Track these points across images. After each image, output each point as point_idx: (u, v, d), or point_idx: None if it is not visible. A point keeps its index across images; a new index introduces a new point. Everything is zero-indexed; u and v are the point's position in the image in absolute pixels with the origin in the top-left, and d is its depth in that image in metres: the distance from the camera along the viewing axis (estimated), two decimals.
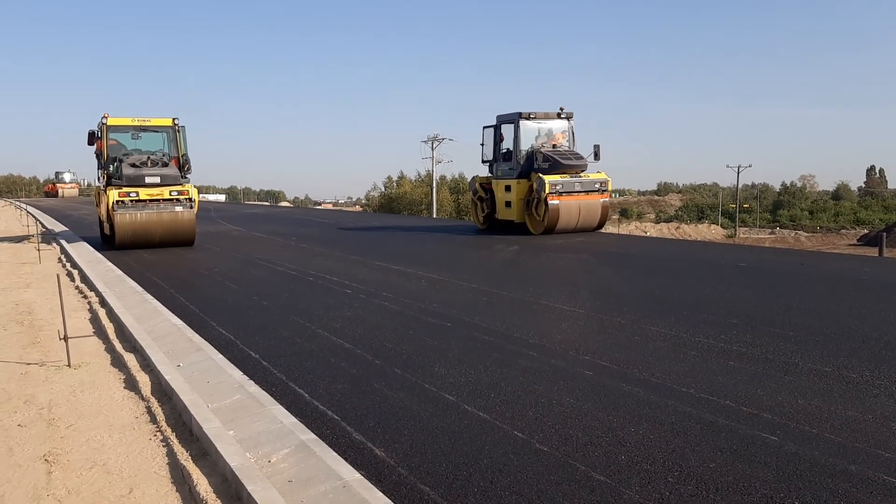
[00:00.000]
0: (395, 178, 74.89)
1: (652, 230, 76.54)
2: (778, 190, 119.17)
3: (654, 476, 3.89)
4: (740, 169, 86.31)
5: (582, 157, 18.10)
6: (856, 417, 4.66)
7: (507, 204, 18.78)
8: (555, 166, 17.46)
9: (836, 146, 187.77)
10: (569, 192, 17.36)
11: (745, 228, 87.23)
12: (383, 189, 76.33)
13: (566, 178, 17.37)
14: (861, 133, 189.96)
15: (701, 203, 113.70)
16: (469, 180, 23.46)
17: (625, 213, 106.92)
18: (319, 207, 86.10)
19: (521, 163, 18.27)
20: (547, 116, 18.83)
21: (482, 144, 19.75)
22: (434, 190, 61.56)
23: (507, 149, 18.87)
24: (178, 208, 16.10)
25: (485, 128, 19.68)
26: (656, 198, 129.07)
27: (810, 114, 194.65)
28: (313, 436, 4.37)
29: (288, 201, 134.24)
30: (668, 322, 7.50)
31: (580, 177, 17.66)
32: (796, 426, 4.53)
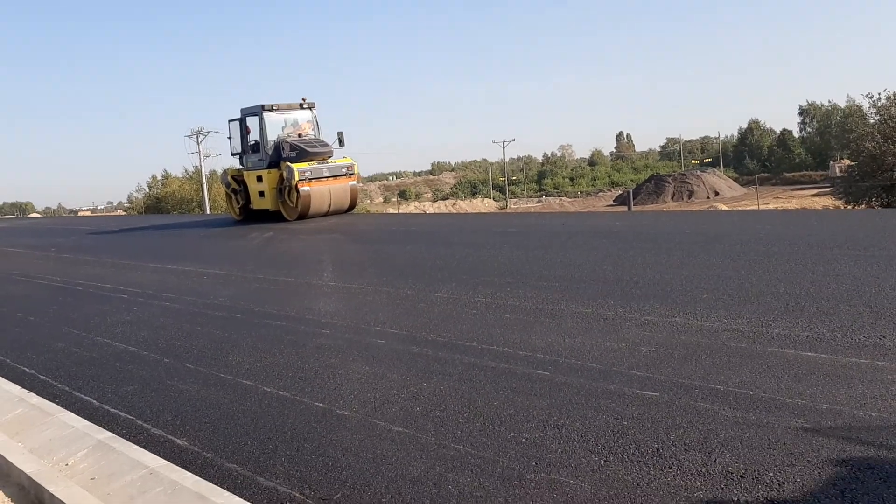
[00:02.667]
0: (159, 177, 70.92)
1: (430, 208, 79.08)
2: (541, 161, 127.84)
3: (447, 420, 4.27)
4: (505, 143, 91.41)
5: (327, 145, 19.04)
6: (612, 347, 5.35)
7: (261, 194, 19.33)
8: (302, 154, 18.24)
9: (589, 115, 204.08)
10: (318, 178, 18.24)
11: (515, 199, 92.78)
12: (147, 190, 72.02)
13: (314, 164, 18.23)
14: (609, 101, 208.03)
15: (473, 179, 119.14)
16: (220, 174, 23.40)
17: (403, 195, 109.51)
18: (76, 216, 79.54)
19: (270, 153, 18.90)
20: (290, 107, 19.56)
21: (229, 138, 20.18)
22: (204, 185, 59.12)
23: (255, 140, 19.36)
24: None
25: (230, 121, 20.09)
26: (432, 177, 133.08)
27: (563, 84, 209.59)
28: (110, 434, 4.29)
29: (38, 212, 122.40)
30: (449, 288, 8.00)
31: (327, 163, 18.63)
32: (564, 360, 5.13)
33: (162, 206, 60.77)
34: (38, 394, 5.35)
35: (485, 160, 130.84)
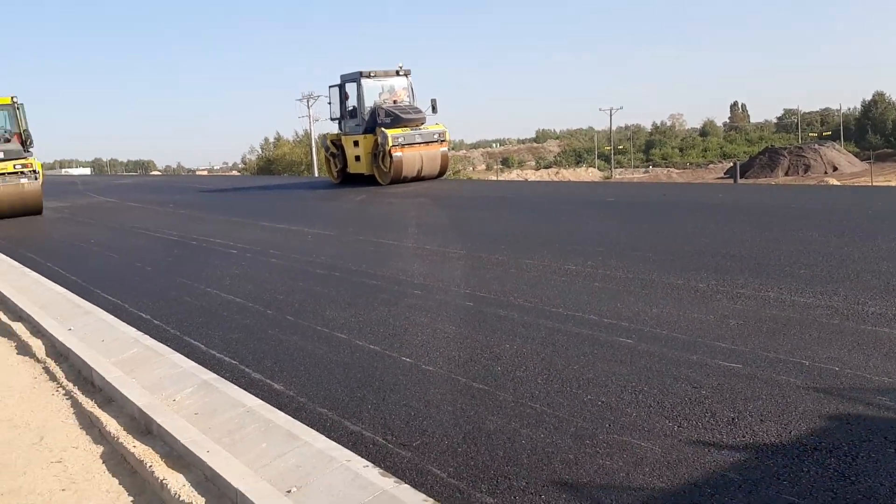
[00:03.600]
0: (272, 140, 73.32)
1: (532, 176, 78.57)
2: (649, 130, 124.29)
3: (526, 380, 4.42)
4: (612, 112, 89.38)
5: (420, 111, 19.45)
6: (700, 318, 5.34)
7: (357, 158, 19.99)
8: (396, 121, 18.68)
9: (702, 84, 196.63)
10: (410, 144, 18.71)
11: (621, 169, 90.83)
12: (261, 151, 74.62)
13: (407, 131, 18.68)
14: (724, 70, 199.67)
15: (578, 147, 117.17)
16: (321, 137, 24.64)
17: (506, 162, 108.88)
18: (194, 174, 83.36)
19: (366, 119, 19.36)
20: (387, 74, 19.95)
21: (329, 103, 20.82)
22: (313, 149, 60.68)
23: (353, 106, 19.89)
24: (24, 180, 17.20)
25: (330, 87, 20.60)
26: (536, 145, 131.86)
27: (676, 53, 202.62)
28: (213, 375, 4.67)
29: (158, 170, 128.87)
30: (540, 255, 8.09)
31: (420, 129, 19.04)
32: (650, 330, 5.16)
33: (273, 168, 62.84)
34: (152, 336, 5.82)
35: (591, 128, 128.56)
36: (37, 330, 6.63)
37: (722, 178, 64.81)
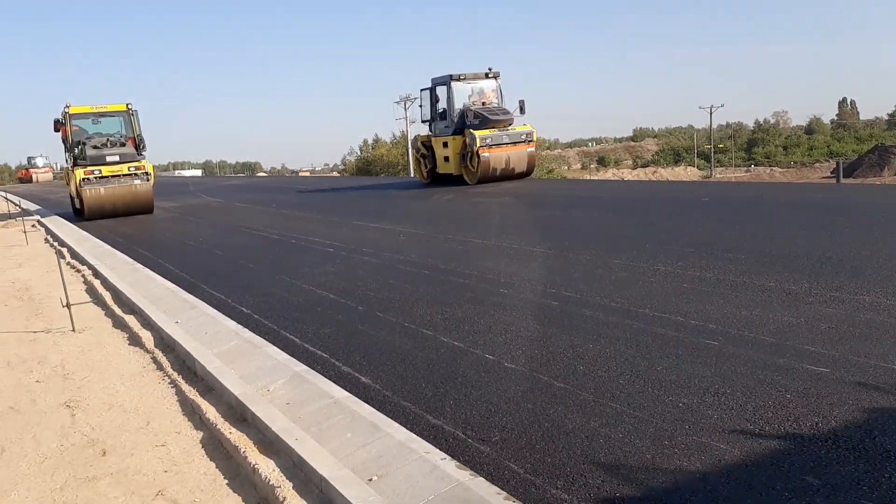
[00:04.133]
0: (370, 141, 74.65)
1: (629, 175, 77.17)
2: (752, 128, 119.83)
3: (607, 380, 4.44)
4: (713, 109, 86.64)
5: (508, 112, 19.79)
6: (790, 322, 5.22)
7: (446, 159, 20.48)
8: (484, 122, 19.10)
9: (808, 80, 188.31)
10: (498, 145, 19.10)
11: (721, 168, 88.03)
12: (359, 153, 76.09)
13: (495, 132, 19.07)
14: (832, 66, 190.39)
15: (677, 146, 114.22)
16: (412, 139, 25.45)
17: (602, 161, 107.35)
18: (297, 175, 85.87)
19: (455, 120, 19.85)
20: (476, 77, 20.45)
21: (420, 106, 21.42)
22: (409, 150, 61.45)
23: (443, 108, 20.48)
24: (137, 181, 18.58)
25: (422, 90, 21.20)
26: (633, 144, 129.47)
27: (780, 49, 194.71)
28: (305, 367, 4.91)
29: (264, 172, 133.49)
30: (629, 255, 8.03)
31: (507, 130, 19.36)
32: (737, 332, 5.09)
33: (371, 169, 64.01)
34: (250, 330, 6.14)
35: (690, 126, 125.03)
36: (147, 322, 7.10)
37: (827, 177, 61.98)
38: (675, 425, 3.74)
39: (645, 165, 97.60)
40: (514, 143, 19.41)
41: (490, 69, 20.60)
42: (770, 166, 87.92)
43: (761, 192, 14.29)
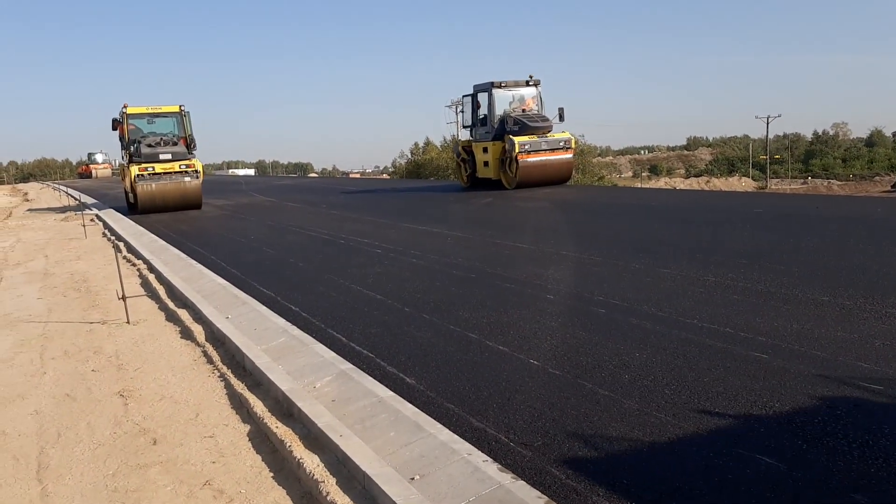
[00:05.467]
0: (421, 145, 74.96)
1: (681, 185, 76.10)
2: (810, 139, 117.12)
3: (653, 390, 4.41)
4: (770, 119, 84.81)
5: (548, 120, 20.18)
6: (843, 337, 5.11)
7: (486, 164, 21.01)
8: (524, 129, 19.53)
9: (869, 92, 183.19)
10: (536, 151, 19.47)
11: (777, 179, 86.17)
12: (410, 156, 76.46)
13: (533, 138, 19.47)
14: (894, 76, 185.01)
15: (731, 156, 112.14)
16: (453, 144, 26.05)
17: (654, 170, 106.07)
18: (347, 177, 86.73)
19: (495, 127, 20.30)
20: (517, 84, 20.87)
21: (461, 111, 22.14)
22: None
23: (484, 115, 20.90)
24: (187, 178, 19.76)
25: (464, 96, 21.94)
26: (686, 153, 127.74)
27: (841, 59, 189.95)
28: (351, 365, 4.98)
29: (316, 172, 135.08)
30: (679, 265, 7.94)
31: (546, 137, 19.74)
32: (787, 346, 5.00)
33: (421, 172, 64.28)
34: (298, 327, 6.24)
35: (746, 136, 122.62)
36: (198, 317, 7.27)
37: (888, 191, 60.26)
38: (719, 437, 3.70)
39: (698, 175, 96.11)
40: (552, 149, 19.78)
41: (531, 77, 21.03)
42: (828, 179, 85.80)
43: (817, 204, 13.98)
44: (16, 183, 79.94)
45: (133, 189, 19.71)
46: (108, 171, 70.46)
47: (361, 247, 11.03)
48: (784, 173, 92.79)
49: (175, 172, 19.60)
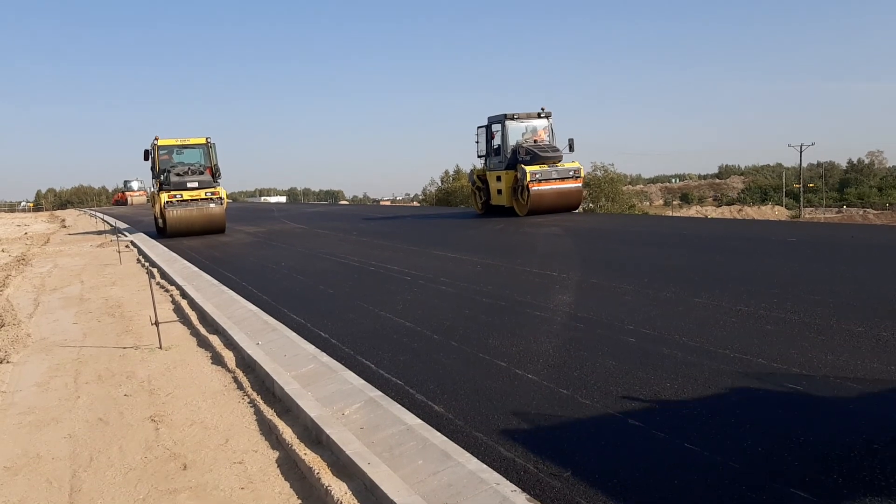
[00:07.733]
0: (451, 173, 75.33)
1: (713, 213, 75.47)
2: (844, 168, 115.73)
3: (685, 421, 4.35)
4: (803, 147, 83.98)
5: (558, 150, 21.17)
6: (879, 368, 5.02)
7: (499, 192, 22.08)
8: (535, 158, 20.55)
9: None
10: (547, 180, 20.43)
11: (811, 208, 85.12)
12: (440, 183, 76.85)
13: (544, 168, 20.43)
14: None
15: (764, 185, 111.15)
16: (468, 173, 27.76)
17: (685, 198, 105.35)
18: (377, 204, 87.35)
19: (508, 156, 21.41)
20: (529, 116, 21.96)
21: (476, 142, 22.93)
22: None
23: (498, 145, 22.05)
24: (212, 205, 21.12)
25: (479, 127, 22.79)
26: (718, 181, 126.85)
27: (875, 87, 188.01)
28: (380, 392, 4.98)
29: (346, 200, 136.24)
30: (711, 294, 7.86)
31: (556, 166, 20.69)
32: (821, 376, 4.92)
33: (451, 200, 64.52)
34: (328, 354, 6.27)
35: (779, 164, 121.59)
36: (229, 343, 7.33)
37: None
38: (750, 468, 3.65)
39: (730, 203, 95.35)
40: (562, 178, 20.65)
41: (542, 109, 22.02)
42: (863, 208, 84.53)
43: (853, 233, 13.78)
44: (54, 209, 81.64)
45: (163, 214, 21.09)
46: (143, 199, 71.60)
47: (391, 273, 11.08)
48: (818, 202, 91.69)
49: (201, 199, 20.94)
